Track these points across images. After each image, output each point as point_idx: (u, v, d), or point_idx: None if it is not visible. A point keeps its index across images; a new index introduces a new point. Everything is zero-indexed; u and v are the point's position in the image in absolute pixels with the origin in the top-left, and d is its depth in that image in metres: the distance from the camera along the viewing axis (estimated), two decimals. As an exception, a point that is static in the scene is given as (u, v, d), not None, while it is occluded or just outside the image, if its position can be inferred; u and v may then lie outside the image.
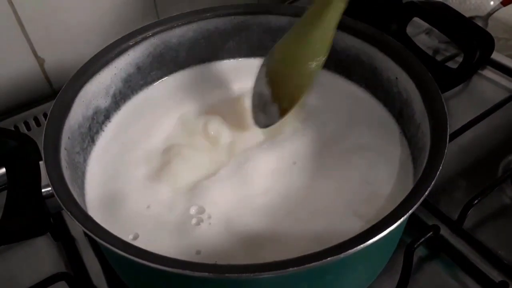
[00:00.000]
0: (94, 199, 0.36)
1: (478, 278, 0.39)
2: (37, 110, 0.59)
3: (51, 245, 0.44)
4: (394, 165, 0.37)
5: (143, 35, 0.42)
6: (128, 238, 0.34)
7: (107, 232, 0.28)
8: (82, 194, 0.35)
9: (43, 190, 0.32)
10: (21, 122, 0.58)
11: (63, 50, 0.59)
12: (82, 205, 0.31)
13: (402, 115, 0.39)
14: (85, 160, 0.38)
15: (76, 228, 0.45)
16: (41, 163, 0.32)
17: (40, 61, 0.59)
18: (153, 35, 0.43)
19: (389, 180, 0.36)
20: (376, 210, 0.34)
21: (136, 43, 0.42)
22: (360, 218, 0.33)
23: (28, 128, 0.57)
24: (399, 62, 0.38)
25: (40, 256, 0.43)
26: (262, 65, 0.39)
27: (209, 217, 0.34)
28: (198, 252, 0.32)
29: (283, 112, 0.37)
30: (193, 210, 0.35)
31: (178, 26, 0.44)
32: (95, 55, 0.40)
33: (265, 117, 0.39)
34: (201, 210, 0.35)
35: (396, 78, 0.39)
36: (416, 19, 0.42)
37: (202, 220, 0.34)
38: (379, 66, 0.41)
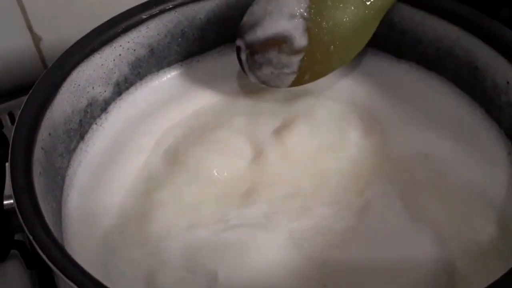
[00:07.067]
0: (75, 219, 0.34)
1: None
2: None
3: (22, 274, 0.42)
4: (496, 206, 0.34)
5: (161, 7, 0.41)
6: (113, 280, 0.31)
7: (82, 271, 0.25)
8: (59, 212, 0.34)
9: (5, 202, 0.31)
10: (5, 113, 0.56)
11: (65, 27, 0.59)
12: (55, 227, 0.29)
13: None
14: (69, 166, 0.37)
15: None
16: (8, 165, 0.31)
17: (36, 39, 0.59)
18: (174, 7, 0.42)
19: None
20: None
21: (151, 17, 0.41)
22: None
23: (13, 122, 0.56)
24: (513, 60, 0.36)
25: (7, 286, 0.42)
26: None
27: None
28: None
29: (305, 76, 0.37)
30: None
31: (208, -3, 0.43)
32: (96, 28, 0.39)
33: (270, 74, 0.38)
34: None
35: (508, 82, 0.36)
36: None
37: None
38: (482, 65, 0.38)
